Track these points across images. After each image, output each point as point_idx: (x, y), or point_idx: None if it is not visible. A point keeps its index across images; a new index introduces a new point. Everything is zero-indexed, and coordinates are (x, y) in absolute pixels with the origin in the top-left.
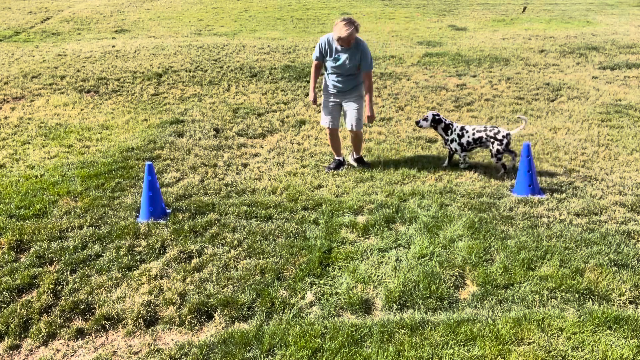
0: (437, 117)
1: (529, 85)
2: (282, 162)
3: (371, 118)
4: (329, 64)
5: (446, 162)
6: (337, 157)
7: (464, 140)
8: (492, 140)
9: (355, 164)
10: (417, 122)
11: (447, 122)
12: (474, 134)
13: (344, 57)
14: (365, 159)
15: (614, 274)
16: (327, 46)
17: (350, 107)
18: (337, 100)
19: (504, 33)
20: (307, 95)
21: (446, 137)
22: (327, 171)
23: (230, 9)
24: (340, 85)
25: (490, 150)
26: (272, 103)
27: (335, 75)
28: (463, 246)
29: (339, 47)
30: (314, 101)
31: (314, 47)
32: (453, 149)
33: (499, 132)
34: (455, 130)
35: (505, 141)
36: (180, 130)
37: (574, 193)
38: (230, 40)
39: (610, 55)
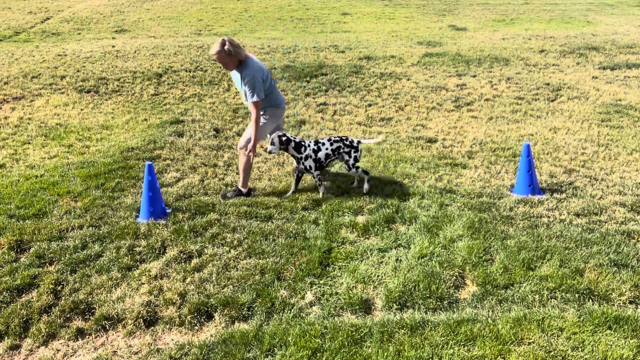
0: (284, 138)
1: (529, 85)
2: (282, 162)
3: (249, 149)
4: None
5: (293, 188)
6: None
7: (321, 154)
8: (348, 149)
9: (225, 196)
10: (266, 149)
11: (297, 140)
12: (331, 145)
13: (235, 78)
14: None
15: (614, 274)
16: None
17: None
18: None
19: (504, 33)
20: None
21: (299, 156)
22: (221, 197)
23: (230, 9)
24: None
25: (347, 162)
26: None
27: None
28: (463, 246)
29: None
30: None
31: (314, 47)
32: (307, 167)
33: (353, 140)
34: (309, 146)
35: (360, 148)
36: (180, 130)
37: (574, 193)
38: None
39: (610, 55)
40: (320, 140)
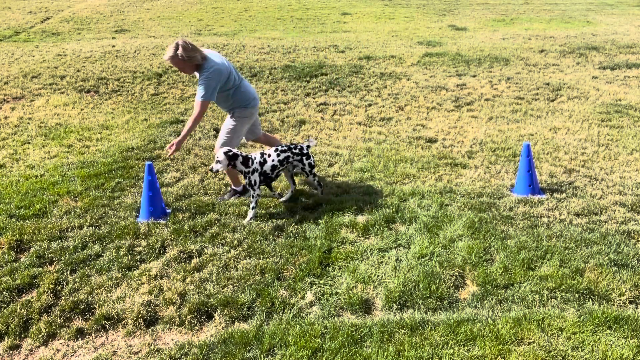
0: (230, 154)
1: (529, 85)
2: None
3: (173, 147)
4: None
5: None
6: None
7: (267, 166)
8: (299, 157)
9: (227, 197)
10: (212, 169)
11: (243, 154)
12: (278, 155)
13: (197, 76)
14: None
15: (614, 274)
16: None
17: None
18: None
19: (504, 33)
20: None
21: (247, 170)
22: (219, 200)
23: (230, 9)
24: (219, 106)
25: (303, 170)
26: (272, 103)
27: None
28: (463, 246)
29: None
30: None
31: (314, 47)
32: (251, 182)
33: (303, 147)
34: (255, 159)
35: (310, 153)
36: (180, 130)
37: (574, 193)
38: (230, 40)
39: (610, 55)
40: (266, 152)
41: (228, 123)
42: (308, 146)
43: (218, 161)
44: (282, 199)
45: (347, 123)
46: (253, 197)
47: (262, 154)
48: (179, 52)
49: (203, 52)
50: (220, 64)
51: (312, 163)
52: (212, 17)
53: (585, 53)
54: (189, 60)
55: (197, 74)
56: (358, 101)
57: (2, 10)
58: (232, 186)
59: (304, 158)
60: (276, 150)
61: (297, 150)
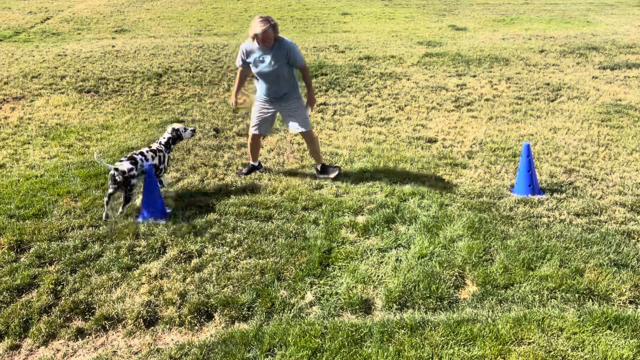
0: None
1: (529, 85)
2: (282, 162)
3: (312, 102)
4: (255, 69)
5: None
6: (252, 162)
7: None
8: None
9: (323, 177)
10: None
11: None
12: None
13: (268, 58)
14: (339, 163)
15: (614, 274)
16: (246, 50)
17: (290, 111)
18: (272, 108)
19: (504, 33)
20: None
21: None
22: (238, 176)
23: (230, 9)
24: (275, 91)
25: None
26: None
27: (265, 81)
28: (463, 246)
29: (260, 49)
30: (235, 103)
31: (314, 47)
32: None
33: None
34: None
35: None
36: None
37: (574, 193)
38: (230, 40)
39: (610, 55)
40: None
41: (298, 102)
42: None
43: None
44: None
45: (347, 123)
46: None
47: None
48: (273, 22)
49: None
50: None
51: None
52: (212, 17)
53: (585, 53)
54: (277, 29)
55: (264, 52)
56: (358, 101)
57: (2, 10)
58: (251, 161)
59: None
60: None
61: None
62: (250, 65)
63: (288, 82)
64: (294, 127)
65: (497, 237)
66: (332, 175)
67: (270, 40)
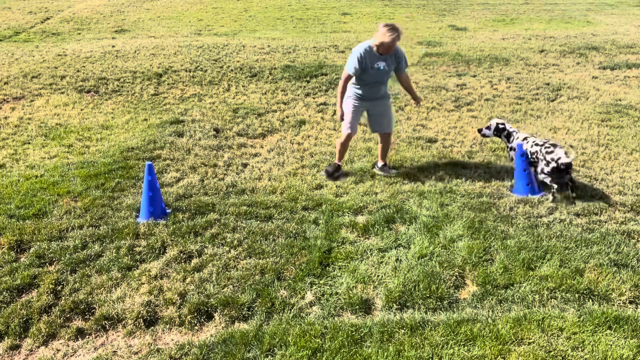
0: (501, 126)
1: (529, 85)
2: (282, 162)
3: (418, 100)
4: (367, 74)
5: None
6: (337, 162)
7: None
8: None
9: (382, 173)
10: (482, 133)
11: (510, 129)
12: (531, 147)
13: (383, 64)
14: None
15: (614, 274)
16: (367, 55)
17: (380, 110)
18: (364, 107)
19: (504, 33)
20: (334, 104)
21: (509, 145)
22: (326, 175)
23: (230, 9)
24: (373, 93)
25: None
26: (272, 103)
27: (368, 85)
28: (463, 246)
29: (378, 55)
30: (342, 117)
31: (314, 47)
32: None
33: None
34: (518, 137)
35: None
36: (180, 130)
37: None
38: (230, 40)
39: (610, 55)
40: (530, 138)
41: (389, 104)
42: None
43: (489, 127)
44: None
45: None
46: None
47: (525, 138)
48: (400, 31)
49: None
50: None
51: (547, 171)
52: (212, 17)
53: (585, 53)
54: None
55: (382, 61)
56: None
57: (2, 10)
58: (337, 161)
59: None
60: (534, 141)
61: (544, 152)
62: (365, 70)
63: (385, 85)
64: (380, 126)
65: (497, 237)
66: (394, 172)
67: (393, 49)
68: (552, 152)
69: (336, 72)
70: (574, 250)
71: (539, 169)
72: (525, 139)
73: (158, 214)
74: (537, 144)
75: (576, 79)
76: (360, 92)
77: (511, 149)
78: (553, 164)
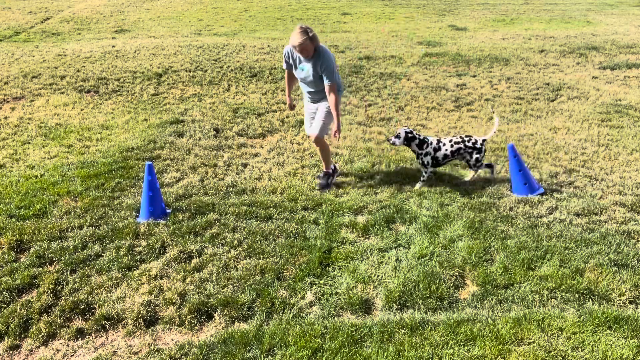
0: (410, 135)
1: (529, 85)
2: (282, 162)
3: (337, 132)
4: (297, 72)
5: None
6: (325, 169)
7: (440, 153)
8: (471, 150)
9: (317, 181)
10: (390, 141)
11: (421, 137)
12: (452, 146)
13: (307, 67)
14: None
15: (614, 274)
16: (290, 56)
17: (313, 111)
18: (313, 109)
19: (504, 33)
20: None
21: (420, 152)
22: (320, 189)
23: (230, 9)
24: (313, 95)
25: (469, 161)
26: (272, 103)
27: (305, 85)
28: (463, 246)
29: (302, 57)
30: (291, 107)
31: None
32: (425, 162)
33: (477, 140)
34: (431, 143)
35: None
36: (180, 130)
37: (574, 193)
38: (230, 40)
39: (610, 55)
40: (442, 140)
41: (324, 108)
42: (484, 140)
43: (398, 136)
44: (466, 179)
45: (347, 123)
46: (425, 173)
47: (439, 141)
48: (311, 33)
49: None
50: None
51: (480, 158)
52: (212, 17)
53: (585, 53)
54: (316, 40)
55: (306, 63)
56: (358, 101)
57: (2, 10)
58: (324, 169)
59: (475, 152)
60: (450, 140)
61: (469, 144)
62: (294, 70)
63: (321, 89)
64: (310, 128)
65: (497, 237)
66: (327, 182)
67: (307, 52)
68: (472, 139)
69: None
70: (574, 250)
71: (472, 162)
72: (439, 141)
73: (158, 214)
74: (456, 142)
75: (576, 79)
76: (303, 91)
77: (426, 154)
78: (479, 146)
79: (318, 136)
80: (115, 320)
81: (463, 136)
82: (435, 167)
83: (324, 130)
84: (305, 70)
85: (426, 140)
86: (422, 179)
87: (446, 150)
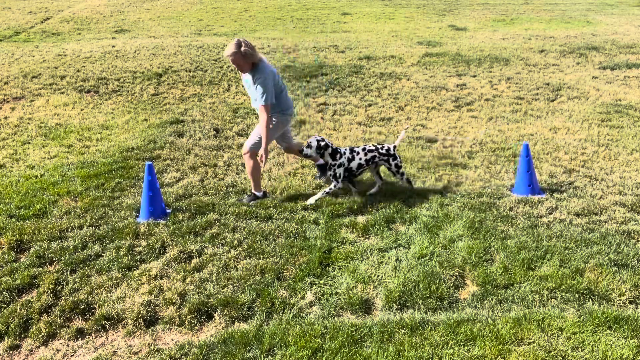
0: (322, 143)
1: (529, 85)
2: (282, 162)
3: (262, 158)
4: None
5: None
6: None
7: (354, 163)
8: (386, 157)
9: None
10: (303, 152)
11: (334, 147)
12: (365, 154)
13: (247, 81)
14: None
15: (614, 274)
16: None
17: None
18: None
19: (504, 33)
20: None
21: (333, 162)
22: (238, 202)
23: (230, 9)
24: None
25: (389, 168)
26: None
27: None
28: (463, 246)
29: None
30: None
31: (314, 47)
32: (337, 174)
33: (390, 147)
34: (344, 154)
35: None
36: (180, 130)
37: (574, 193)
38: (230, 40)
39: (610, 55)
40: (355, 149)
41: (257, 124)
42: (395, 147)
43: (309, 145)
44: (370, 192)
45: (347, 123)
46: (335, 186)
47: (352, 150)
48: (243, 48)
49: (259, 54)
50: (271, 68)
51: (399, 163)
52: (212, 17)
53: (585, 53)
54: (250, 57)
55: (247, 75)
56: (358, 101)
57: (2, 10)
58: (253, 190)
59: (391, 159)
60: (364, 149)
61: (383, 151)
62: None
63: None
64: (244, 145)
65: (497, 237)
66: (245, 202)
67: (240, 66)
68: (385, 147)
69: (336, 72)
70: (574, 250)
71: (394, 169)
72: (352, 150)
73: (158, 214)
74: (370, 151)
75: (576, 79)
76: None
77: (339, 165)
78: (393, 152)
79: (247, 151)
80: (115, 320)
81: (375, 144)
82: (349, 178)
83: (256, 145)
84: (247, 83)
85: (339, 150)
86: (326, 190)
87: (360, 159)
